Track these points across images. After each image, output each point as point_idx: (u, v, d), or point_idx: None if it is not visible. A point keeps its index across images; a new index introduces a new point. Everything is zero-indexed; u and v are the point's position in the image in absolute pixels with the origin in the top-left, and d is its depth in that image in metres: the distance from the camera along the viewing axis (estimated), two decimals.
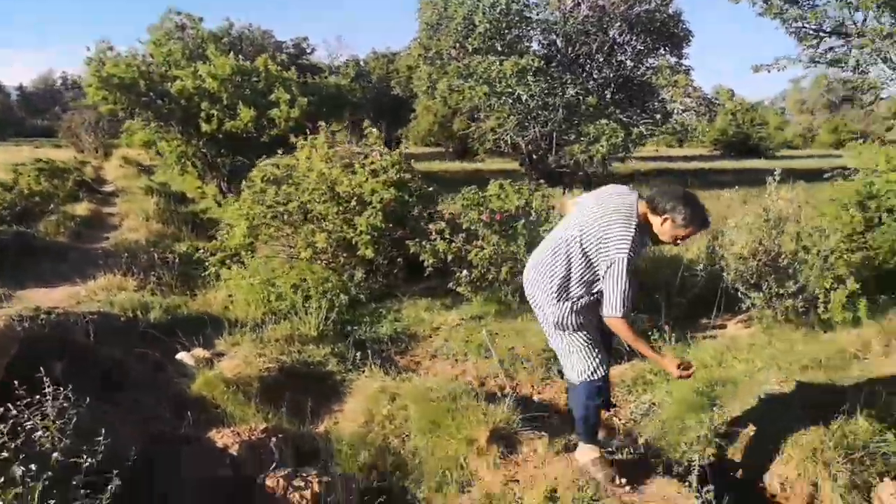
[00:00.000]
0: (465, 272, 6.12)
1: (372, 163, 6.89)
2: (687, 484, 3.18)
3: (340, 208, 6.65)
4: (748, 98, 36.52)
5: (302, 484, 3.44)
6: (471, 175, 16.96)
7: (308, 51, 29.94)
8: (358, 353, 5.13)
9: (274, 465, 3.57)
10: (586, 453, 3.35)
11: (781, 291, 5.70)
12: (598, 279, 3.11)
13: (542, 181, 6.47)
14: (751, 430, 3.79)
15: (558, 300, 3.18)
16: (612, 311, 3.05)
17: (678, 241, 3.15)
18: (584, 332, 3.26)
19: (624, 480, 3.22)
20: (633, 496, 3.14)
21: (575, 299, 3.18)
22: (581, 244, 3.11)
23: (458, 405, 3.86)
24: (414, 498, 3.52)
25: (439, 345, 5.85)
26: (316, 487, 3.43)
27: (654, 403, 4.53)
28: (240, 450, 3.67)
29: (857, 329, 5.36)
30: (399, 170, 6.83)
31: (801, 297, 5.65)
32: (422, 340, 6.00)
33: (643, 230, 3.10)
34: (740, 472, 3.70)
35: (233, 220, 7.64)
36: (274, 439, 3.82)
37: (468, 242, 6.20)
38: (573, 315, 3.18)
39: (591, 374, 3.26)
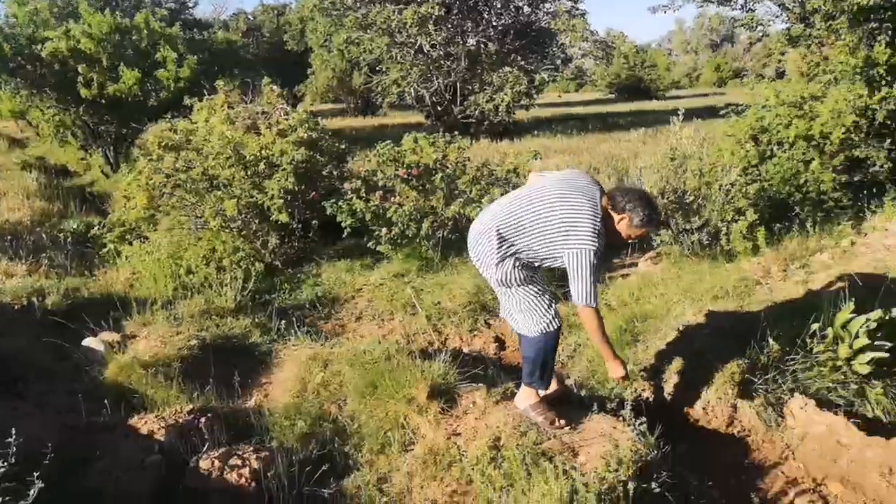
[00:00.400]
0: (384, 230, 6.02)
1: (278, 122, 6.57)
2: (621, 419, 3.30)
3: (248, 172, 6.33)
4: (637, 41, 37.66)
5: (239, 462, 3.33)
6: (376, 130, 16.62)
7: (190, 5, 28.02)
8: (283, 322, 4.97)
9: (206, 446, 3.43)
10: (525, 399, 3.41)
11: (688, 227, 5.98)
12: (552, 257, 3.13)
13: (452, 133, 6.34)
14: (673, 361, 3.97)
15: (501, 259, 3.16)
16: (583, 301, 3.06)
17: (630, 239, 3.17)
18: (533, 286, 3.26)
19: (563, 422, 3.30)
20: (572, 436, 3.23)
21: (519, 256, 3.17)
22: (536, 224, 3.10)
23: (393, 365, 3.81)
24: (356, 463, 3.48)
25: (364, 306, 5.77)
26: (254, 464, 3.33)
27: (579, 345, 4.67)
28: (167, 434, 3.49)
29: (756, 257, 5.70)
30: (308, 128, 6.56)
31: (705, 230, 5.96)
32: (345, 303, 5.90)
33: (604, 224, 3.09)
34: (666, 402, 3.88)
35: (129, 192, 7.12)
36: (203, 419, 3.66)
37: (385, 200, 6.09)
38: (517, 271, 3.18)
39: (548, 325, 3.28)
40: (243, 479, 3.24)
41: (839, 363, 3.67)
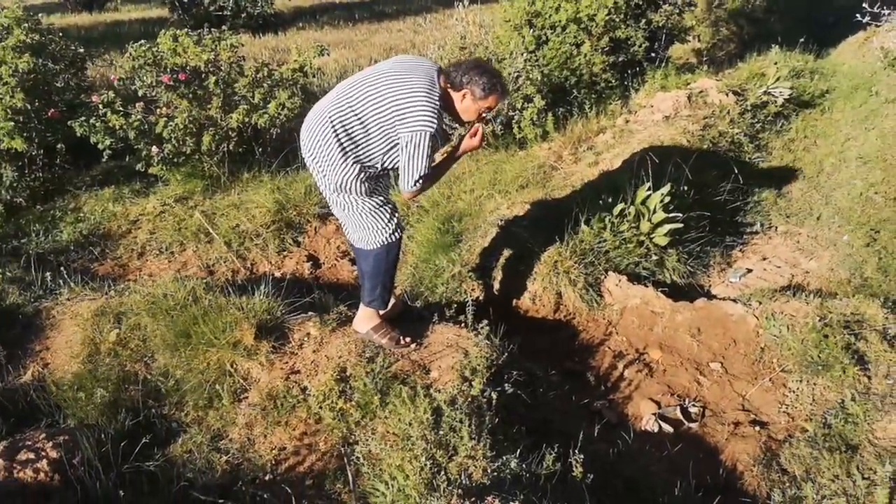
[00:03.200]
0: (154, 149, 5.15)
1: None
2: (463, 325, 3.24)
3: None
4: None
5: (31, 455, 2.71)
6: (109, 28, 14.20)
7: None
8: (49, 274, 4.09)
9: None
10: (365, 322, 3.18)
11: None
12: (389, 152, 2.82)
13: (205, 29, 5.44)
14: (498, 257, 3.99)
15: (343, 160, 2.78)
16: (406, 187, 2.84)
17: (483, 116, 2.90)
18: (375, 197, 2.93)
19: (408, 339, 3.16)
20: (420, 352, 3.11)
21: (361, 160, 2.81)
22: (369, 107, 2.74)
23: (205, 307, 3.32)
24: (181, 424, 3.04)
25: (145, 239, 4.99)
26: (51, 453, 2.74)
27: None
28: None
29: (546, 143, 5.92)
30: (29, 29, 5.22)
31: (498, 119, 6.00)
32: (120, 238, 5.04)
33: (445, 107, 2.82)
34: (495, 298, 3.92)
35: None
36: None
37: (150, 112, 5.17)
38: (359, 182, 2.82)
39: (390, 236, 3.01)
40: (42, 475, 2.65)
41: (642, 238, 3.96)
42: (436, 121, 2.72)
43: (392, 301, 3.31)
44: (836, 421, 2.78)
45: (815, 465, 2.66)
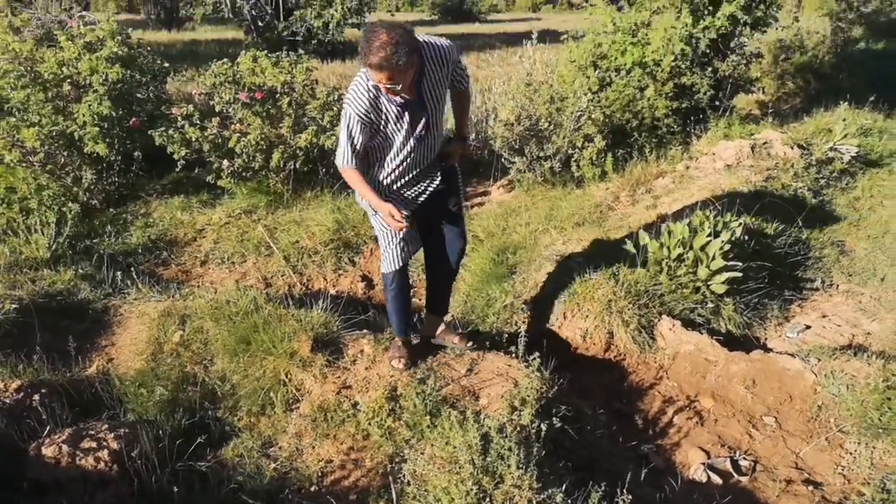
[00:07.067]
0: (225, 162, 5.38)
1: (81, 33, 5.50)
2: (514, 355, 3.26)
3: (48, 95, 5.27)
4: None
5: (93, 444, 2.83)
6: (187, 47, 14.91)
7: None
8: (119, 273, 4.28)
9: (47, 428, 2.88)
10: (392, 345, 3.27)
11: (540, 154, 6.04)
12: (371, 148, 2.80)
13: (278, 52, 5.67)
14: (551, 291, 4.01)
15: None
16: (337, 161, 2.76)
17: (390, 91, 2.52)
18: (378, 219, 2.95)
19: (401, 365, 3.17)
20: (470, 379, 3.14)
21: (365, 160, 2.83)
22: None
23: (265, 316, 3.43)
24: (234, 428, 3.13)
25: (209, 248, 5.19)
26: (112, 444, 2.85)
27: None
28: None
29: (604, 183, 5.94)
30: (120, 42, 5.56)
31: (557, 157, 6.06)
32: (186, 246, 5.27)
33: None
34: (547, 331, 3.93)
35: None
36: (37, 396, 3.09)
37: (224, 127, 5.42)
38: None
39: (389, 264, 3.05)
40: (102, 464, 2.77)
41: (699, 284, 3.92)
42: (356, 99, 2.58)
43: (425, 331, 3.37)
44: None
45: None
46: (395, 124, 2.71)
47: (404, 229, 2.79)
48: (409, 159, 2.85)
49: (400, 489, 2.66)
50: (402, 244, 3.03)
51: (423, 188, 3.00)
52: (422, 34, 2.68)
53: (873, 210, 5.74)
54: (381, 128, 2.71)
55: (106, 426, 2.94)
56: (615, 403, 3.46)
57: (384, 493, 2.70)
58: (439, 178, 3.01)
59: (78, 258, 4.75)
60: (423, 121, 2.75)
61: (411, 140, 2.78)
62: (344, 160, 2.73)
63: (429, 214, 3.11)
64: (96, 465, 2.77)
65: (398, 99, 2.61)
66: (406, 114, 2.69)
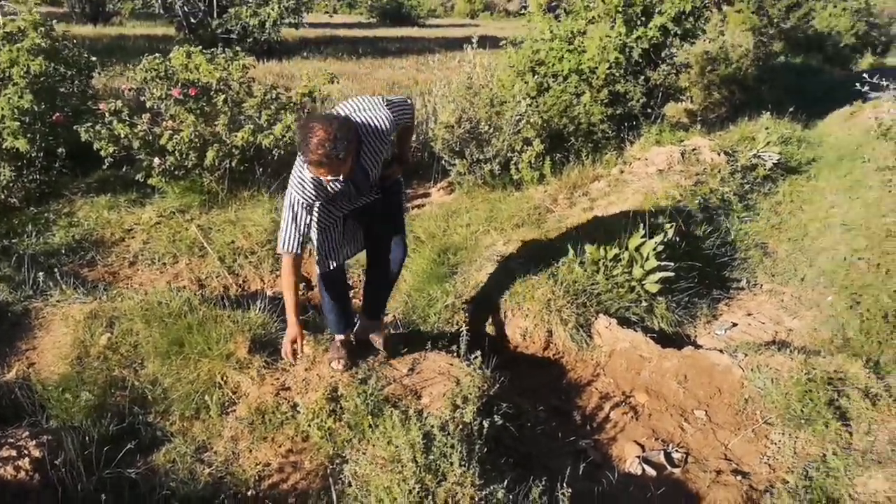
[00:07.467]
0: (156, 160, 5.18)
1: (2, 24, 5.21)
2: (456, 354, 3.27)
3: None
4: None
5: (13, 453, 2.68)
6: (114, 41, 14.31)
7: None
8: (40, 275, 4.06)
9: None
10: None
11: (481, 157, 6.08)
12: None
13: (212, 49, 5.53)
14: (492, 290, 4.04)
15: None
16: (278, 245, 2.80)
17: (331, 183, 2.62)
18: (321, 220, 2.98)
19: (340, 366, 3.14)
20: (412, 378, 3.12)
21: None
22: None
23: (200, 318, 3.32)
24: (165, 433, 3.01)
25: (138, 249, 4.98)
26: (34, 452, 2.70)
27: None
28: None
29: (542, 186, 6.04)
30: (44, 33, 5.29)
31: (496, 160, 6.11)
32: (113, 246, 5.04)
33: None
34: (486, 331, 3.96)
35: None
36: None
37: (155, 124, 5.22)
38: None
39: (324, 266, 3.09)
40: (23, 473, 2.61)
41: (634, 283, 4.04)
42: (300, 186, 2.66)
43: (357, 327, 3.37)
44: (818, 474, 2.83)
45: None
46: (340, 194, 2.82)
47: (292, 359, 2.89)
48: (353, 206, 3.02)
49: (341, 490, 2.63)
50: (337, 247, 3.08)
51: (362, 202, 3.06)
52: (359, 105, 2.76)
53: (793, 214, 6.06)
54: (327, 201, 2.84)
55: (27, 433, 2.78)
56: (554, 400, 3.52)
57: (324, 495, 2.66)
58: (378, 193, 3.07)
59: None
60: (366, 182, 2.87)
61: (356, 197, 2.94)
62: (288, 245, 2.75)
63: (370, 220, 3.16)
64: (16, 475, 2.61)
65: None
66: (350, 184, 2.80)
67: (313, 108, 5.72)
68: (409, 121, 3.02)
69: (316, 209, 2.89)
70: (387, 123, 2.75)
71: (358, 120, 2.69)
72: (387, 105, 2.79)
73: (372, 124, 2.72)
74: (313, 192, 2.69)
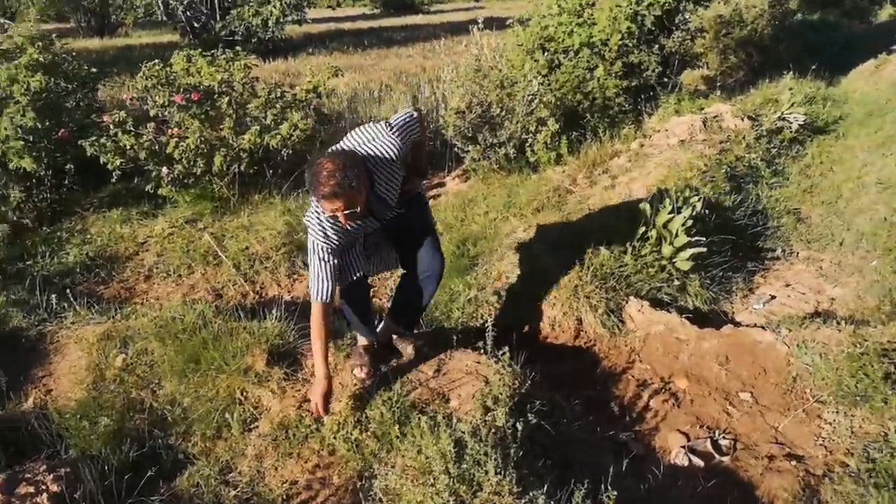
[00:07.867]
0: (164, 169, 5.08)
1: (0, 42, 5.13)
2: (482, 350, 3.11)
3: None
4: None
5: (31, 489, 2.59)
6: (121, 53, 14.30)
7: None
8: (54, 297, 3.98)
9: None
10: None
11: (494, 141, 5.90)
12: None
13: (221, 50, 5.41)
14: (516, 280, 3.88)
15: None
16: (313, 297, 2.69)
17: (347, 222, 2.53)
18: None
19: (363, 374, 2.98)
20: (438, 380, 2.98)
21: None
22: None
23: (215, 331, 3.21)
24: (188, 456, 2.91)
25: (152, 262, 4.89)
26: (52, 487, 2.61)
27: None
28: None
29: (560, 167, 5.84)
30: (43, 48, 5.19)
31: (511, 143, 5.92)
32: (127, 261, 4.96)
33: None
34: (513, 324, 3.79)
35: None
36: None
37: (161, 132, 5.11)
38: None
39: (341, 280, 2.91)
40: None
41: (664, 262, 3.84)
42: (318, 230, 2.59)
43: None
44: (881, 455, 2.63)
45: (863, 502, 2.51)
46: (362, 229, 2.76)
47: (322, 415, 2.76)
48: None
49: None
50: (356, 260, 2.91)
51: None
52: (361, 137, 2.68)
53: (824, 176, 5.78)
54: (349, 243, 2.77)
55: (44, 467, 2.69)
56: (589, 392, 3.35)
57: None
58: (401, 207, 2.92)
59: (9, 283, 4.41)
60: (387, 210, 2.78)
61: (377, 224, 2.83)
62: (323, 294, 2.65)
63: (398, 234, 3.03)
64: None
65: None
66: (370, 219, 2.73)
67: (319, 105, 5.57)
68: (418, 135, 2.86)
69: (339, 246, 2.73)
70: (394, 150, 2.65)
71: (364, 153, 2.61)
72: (390, 130, 2.67)
73: (379, 155, 2.63)
74: (335, 239, 2.62)
